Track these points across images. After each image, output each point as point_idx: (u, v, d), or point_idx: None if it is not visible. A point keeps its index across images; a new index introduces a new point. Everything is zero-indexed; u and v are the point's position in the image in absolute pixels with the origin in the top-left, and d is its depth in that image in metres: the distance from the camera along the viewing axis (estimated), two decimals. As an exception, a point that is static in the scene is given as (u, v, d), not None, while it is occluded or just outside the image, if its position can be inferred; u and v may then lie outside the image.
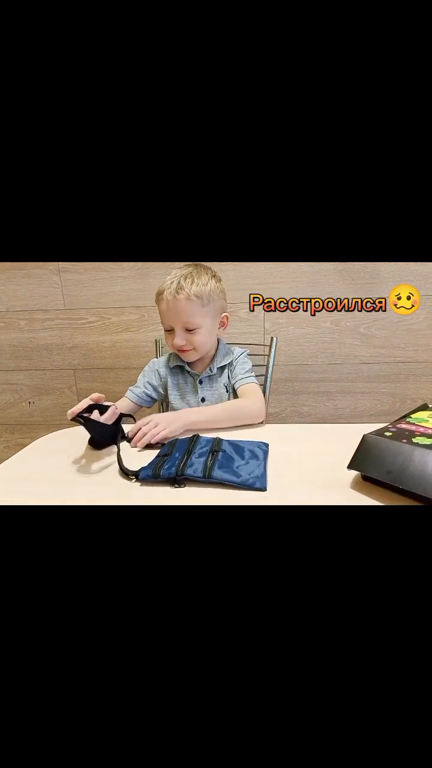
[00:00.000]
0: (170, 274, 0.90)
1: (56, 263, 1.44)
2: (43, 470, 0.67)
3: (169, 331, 0.90)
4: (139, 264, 1.41)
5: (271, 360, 1.14)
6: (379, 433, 0.57)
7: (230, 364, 0.98)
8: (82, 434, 0.75)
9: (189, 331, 0.88)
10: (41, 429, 1.58)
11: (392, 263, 1.32)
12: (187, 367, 0.97)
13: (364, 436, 0.56)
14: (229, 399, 0.98)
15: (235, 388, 0.95)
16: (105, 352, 1.51)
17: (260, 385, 1.09)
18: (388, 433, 0.57)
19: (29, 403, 1.59)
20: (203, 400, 0.96)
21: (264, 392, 1.11)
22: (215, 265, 0.94)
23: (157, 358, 1.05)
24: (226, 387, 0.97)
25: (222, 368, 0.98)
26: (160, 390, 0.99)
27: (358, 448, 0.56)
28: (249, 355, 1.02)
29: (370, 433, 0.57)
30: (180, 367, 0.97)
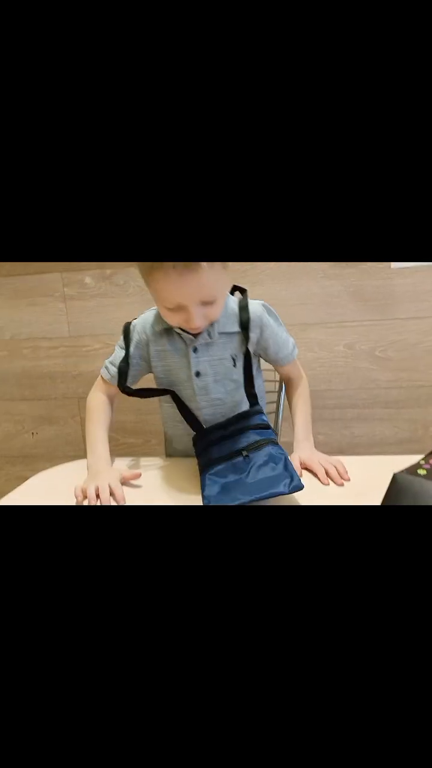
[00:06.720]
0: None
1: (62, 290, 1.41)
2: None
3: (173, 309, 0.66)
4: (144, 289, 1.38)
5: (284, 386, 1.07)
6: (412, 471, 0.49)
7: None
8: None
9: (207, 304, 0.65)
10: (43, 461, 1.51)
11: (407, 283, 1.26)
12: (178, 330, 0.73)
13: (394, 475, 0.49)
14: (236, 370, 0.75)
15: (278, 367, 0.84)
16: (110, 380, 1.46)
17: (272, 413, 1.02)
18: (421, 471, 0.49)
19: (32, 434, 1.54)
20: (198, 374, 0.74)
21: (277, 420, 1.04)
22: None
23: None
24: (233, 358, 0.75)
25: (229, 335, 0.75)
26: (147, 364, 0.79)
27: (388, 490, 0.48)
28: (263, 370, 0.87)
29: (401, 471, 0.49)
30: (168, 330, 0.75)
